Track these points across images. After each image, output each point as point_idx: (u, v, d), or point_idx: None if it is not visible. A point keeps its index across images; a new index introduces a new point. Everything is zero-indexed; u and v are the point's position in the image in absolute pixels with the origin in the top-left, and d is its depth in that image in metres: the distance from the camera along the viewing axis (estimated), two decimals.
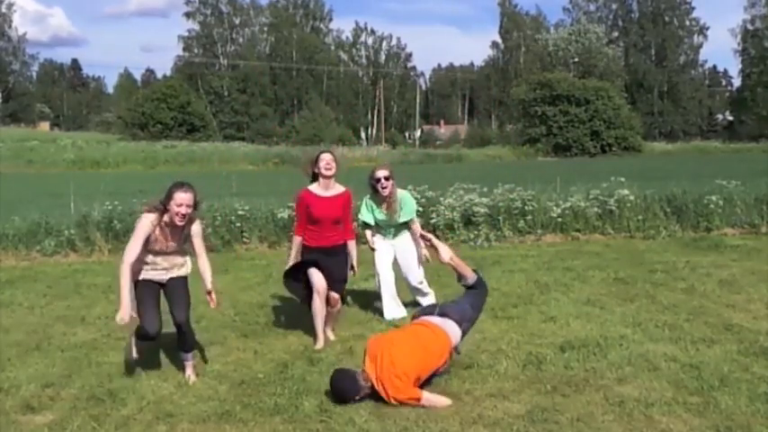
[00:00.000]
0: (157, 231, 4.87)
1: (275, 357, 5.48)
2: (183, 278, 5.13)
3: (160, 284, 5.08)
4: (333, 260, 5.88)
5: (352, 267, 6.05)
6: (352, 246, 6.04)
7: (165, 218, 4.84)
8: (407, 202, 6.67)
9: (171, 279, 5.08)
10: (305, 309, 6.27)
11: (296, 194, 6.09)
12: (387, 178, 6.37)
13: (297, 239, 5.98)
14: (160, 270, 5.04)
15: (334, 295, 5.88)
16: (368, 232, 6.65)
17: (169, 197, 4.78)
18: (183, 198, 4.77)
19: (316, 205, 5.85)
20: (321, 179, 5.87)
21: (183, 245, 5.05)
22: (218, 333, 6.19)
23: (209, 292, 4.95)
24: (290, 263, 5.95)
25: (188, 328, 5.05)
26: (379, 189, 6.38)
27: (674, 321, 6.08)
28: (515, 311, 6.61)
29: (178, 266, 5.11)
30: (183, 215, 4.78)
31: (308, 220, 5.88)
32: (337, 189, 5.94)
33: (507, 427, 4.02)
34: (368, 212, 6.58)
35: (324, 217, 5.84)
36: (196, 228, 4.99)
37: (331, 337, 5.94)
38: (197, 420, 4.26)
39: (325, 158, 5.88)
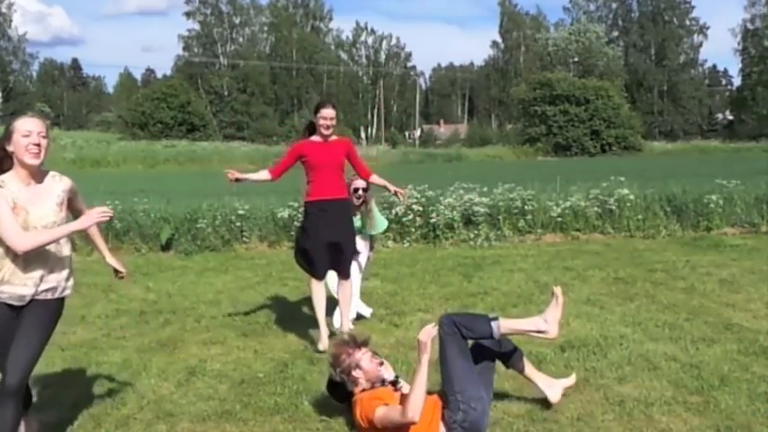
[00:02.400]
0: (14, 193, 3.46)
1: (275, 357, 5.48)
2: (52, 305, 3.61)
3: (16, 311, 3.51)
4: (339, 224, 5.59)
5: (392, 190, 5.85)
6: (377, 179, 5.84)
7: (13, 171, 3.49)
8: (380, 219, 6.66)
9: (34, 303, 3.53)
10: (305, 308, 6.28)
11: (290, 144, 5.82)
12: (365, 190, 6.26)
13: (263, 173, 5.68)
14: (28, 281, 3.49)
15: (345, 283, 5.76)
16: None
17: (10, 132, 3.47)
18: (30, 124, 3.46)
19: (314, 151, 5.57)
20: (318, 133, 5.64)
21: (61, 213, 3.60)
22: (218, 332, 6.19)
23: (117, 272, 3.97)
24: (244, 176, 5.57)
25: (18, 398, 3.45)
26: (354, 199, 6.20)
27: (673, 321, 6.09)
28: (515, 311, 6.60)
29: (56, 277, 3.59)
30: (37, 145, 3.43)
31: (308, 170, 5.61)
32: (335, 138, 5.73)
33: (507, 426, 4.02)
34: None
35: (324, 162, 5.55)
36: (68, 184, 3.67)
37: (345, 328, 5.63)
38: (197, 419, 4.26)
39: (326, 114, 5.57)
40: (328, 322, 5.87)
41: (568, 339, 5.57)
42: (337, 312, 6.12)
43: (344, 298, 5.83)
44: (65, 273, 3.64)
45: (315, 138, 5.68)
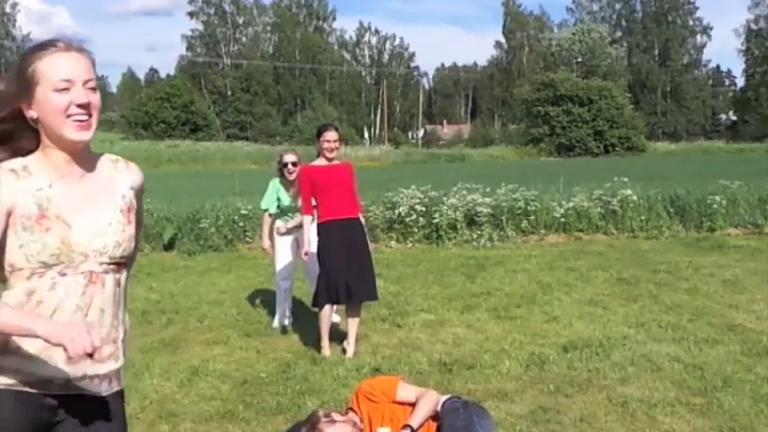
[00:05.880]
0: (45, 192, 1.80)
1: (278, 357, 5.48)
2: (115, 402, 1.89)
3: (52, 412, 1.79)
4: (353, 243, 5.49)
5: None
6: (361, 218, 5.79)
7: (41, 153, 1.84)
8: None
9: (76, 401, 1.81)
10: (308, 308, 6.28)
11: (298, 172, 5.85)
12: (294, 164, 6.25)
13: (307, 218, 5.61)
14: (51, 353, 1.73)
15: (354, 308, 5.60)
16: (265, 229, 6.35)
17: (27, 79, 1.78)
18: (68, 65, 1.80)
19: (320, 174, 5.55)
20: (323, 156, 5.63)
21: (128, 228, 1.90)
22: (220, 332, 6.20)
23: None
24: (310, 243, 5.53)
25: None
26: (286, 174, 6.25)
27: (677, 322, 6.07)
28: (518, 311, 6.60)
29: (110, 342, 1.84)
30: (84, 106, 1.85)
31: (316, 193, 5.55)
32: (339, 161, 5.72)
33: (510, 427, 4.01)
34: (272, 199, 6.35)
35: (331, 184, 5.53)
36: (137, 176, 2.06)
37: (350, 353, 5.48)
38: (199, 420, 4.26)
39: (330, 138, 5.58)
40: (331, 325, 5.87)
41: (571, 340, 5.56)
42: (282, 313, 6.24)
43: (353, 320, 5.61)
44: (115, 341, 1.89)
45: (319, 162, 5.65)
